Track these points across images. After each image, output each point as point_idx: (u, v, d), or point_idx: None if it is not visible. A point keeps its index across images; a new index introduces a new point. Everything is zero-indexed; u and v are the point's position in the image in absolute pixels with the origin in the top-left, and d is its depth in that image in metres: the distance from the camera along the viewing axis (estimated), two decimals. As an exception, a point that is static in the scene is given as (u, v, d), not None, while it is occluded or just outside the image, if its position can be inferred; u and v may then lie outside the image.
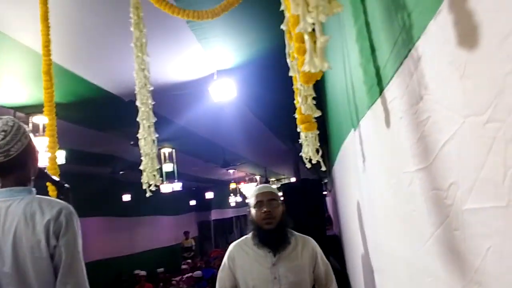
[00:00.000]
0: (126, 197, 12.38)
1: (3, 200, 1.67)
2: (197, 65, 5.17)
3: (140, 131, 2.55)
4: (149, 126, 2.55)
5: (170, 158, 9.72)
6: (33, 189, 1.80)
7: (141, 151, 2.53)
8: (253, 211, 2.32)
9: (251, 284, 2.23)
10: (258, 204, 2.29)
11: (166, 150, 9.61)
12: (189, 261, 14.04)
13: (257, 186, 2.47)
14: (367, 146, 1.85)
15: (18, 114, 5.54)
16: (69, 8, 3.47)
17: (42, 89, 2.83)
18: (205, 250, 18.55)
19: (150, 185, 2.47)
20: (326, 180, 13.66)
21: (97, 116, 6.54)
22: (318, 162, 2.41)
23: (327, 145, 8.97)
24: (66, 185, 2.22)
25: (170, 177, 9.87)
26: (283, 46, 1.84)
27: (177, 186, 9.74)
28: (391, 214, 1.47)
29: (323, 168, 2.18)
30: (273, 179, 19.80)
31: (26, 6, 3.26)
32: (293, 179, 19.36)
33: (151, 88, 2.61)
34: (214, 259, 14.78)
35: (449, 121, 0.81)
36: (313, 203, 8.29)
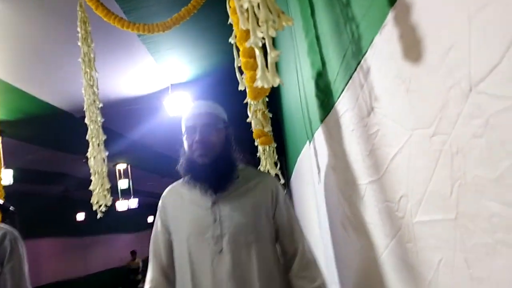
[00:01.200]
0: (80, 216, 11.92)
1: None
2: (151, 79, 5.09)
3: (89, 149, 2.46)
4: (98, 144, 2.47)
5: (126, 174, 9.48)
6: None
7: (91, 170, 2.44)
8: (184, 140, 1.65)
9: (185, 233, 1.59)
10: (190, 131, 1.62)
11: (121, 166, 9.37)
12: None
13: (190, 106, 1.70)
14: (322, 158, 1.86)
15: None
16: (14, 24, 3.33)
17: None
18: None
19: (100, 206, 2.38)
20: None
21: (47, 133, 6.29)
22: (276, 175, 2.41)
23: (285, 157, 9.05)
24: (11, 208, 2.10)
25: (126, 194, 9.62)
26: (227, 60, 1.86)
27: (133, 203, 9.49)
28: (348, 226, 1.47)
29: (282, 181, 2.17)
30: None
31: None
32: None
33: (100, 105, 2.53)
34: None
35: (397, 134, 0.81)
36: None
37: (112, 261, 14.47)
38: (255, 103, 1.51)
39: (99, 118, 2.49)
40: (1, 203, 2.15)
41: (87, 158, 6.18)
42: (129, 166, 9.53)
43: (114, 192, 9.56)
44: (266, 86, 0.78)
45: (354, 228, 1.36)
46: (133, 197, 9.48)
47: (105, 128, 2.68)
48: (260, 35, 0.79)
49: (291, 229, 1.66)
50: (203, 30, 4.09)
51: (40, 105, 5.07)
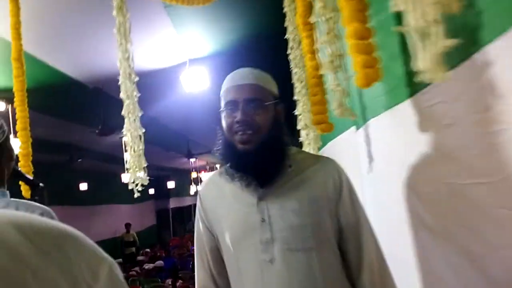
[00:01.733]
0: (83, 186, 11.89)
1: None
2: (169, 52, 4.95)
3: (125, 126, 2.35)
4: (134, 120, 2.36)
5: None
6: (7, 192, 1.59)
7: (127, 147, 2.34)
8: (222, 118, 1.32)
9: (229, 237, 1.30)
10: (229, 106, 1.28)
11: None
12: (148, 250, 13.70)
13: (230, 74, 1.35)
14: (379, 147, 1.77)
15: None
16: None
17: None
18: (164, 239, 18.26)
19: (137, 185, 2.29)
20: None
21: (57, 103, 6.15)
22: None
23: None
24: (40, 184, 2.01)
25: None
26: (257, 36, 1.75)
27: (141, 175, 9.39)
28: (416, 223, 1.40)
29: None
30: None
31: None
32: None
33: (136, 79, 2.41)
34: (173, 248, 14.55)
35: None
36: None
37: (111, 231, 14.52)
38: (335, 83, 1.39)
39: (134, 93, 2.38)
40: (31, 179, 2.05)
41: (99, 130, 6.11)
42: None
43: (120, 163, 9.52)
44: (435, 80, 0.67)
45: (433, 232, 1.27)
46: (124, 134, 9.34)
47: (116, 98, 2.57)
48: (430, 17, 0.67)
49: (358, 232, 1.28)
50: (227, 5, 3.94)
51: (52, 73, 4.93)
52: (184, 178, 18.19)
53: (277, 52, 5.58)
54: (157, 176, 16.78)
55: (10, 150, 1.62)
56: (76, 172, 11.58)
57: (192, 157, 12.20)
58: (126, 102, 2.32)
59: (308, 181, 1.31)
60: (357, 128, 2.12)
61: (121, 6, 2.43)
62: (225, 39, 4.78)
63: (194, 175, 16.32)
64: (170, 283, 8.90)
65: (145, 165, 2.34)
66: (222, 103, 1.31)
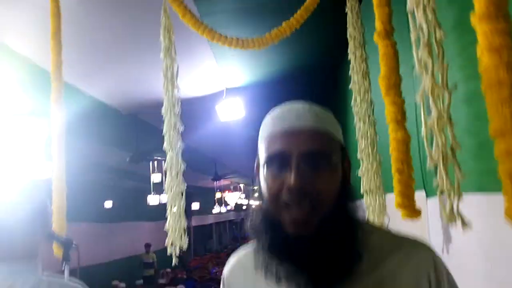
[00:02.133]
0: (108, 204, 11.87)
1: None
2: (207, 81, 4.85)
3: (167, 180, 2.21)
4: (177, 175, 2.21)
5: (160, 168, 9.32)
6: (39, 265, 1.43)
7: (167, 207, 2.19)
8: (262, 179, 0.86)
9: None
10: (276, 163, 0.82)
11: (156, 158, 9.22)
12: (169, 270, 13.50)
13: (275, 111, 0.88)
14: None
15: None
16: (69, 25, 3.11)
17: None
18: (184, 258, 18.10)
19: (175, 248, 2.13)
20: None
21: (91, 128, 6.13)
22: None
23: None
24: (74, 244, 1.85)
25: (157, 188, 9.48)
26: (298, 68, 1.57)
27: (165, 198, 9.31)
28: None
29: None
30: (255, 188, 19.55)
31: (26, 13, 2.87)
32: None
33: (182, 128, 2.27)
34: (194, 269, 14.36)
35: None
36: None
37: (133, 249, 14.43)
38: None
39: (179, 144, 2.23)
40: (63, 239, 1.89)
41: (130, 158, 6.04)
42: (163, 161, 9.36)
43: (147, 182, 9.46)
44: None
45: None
46: (165, 193, 9.30)
47: (149, 124, 2.47)
48: None
49: None
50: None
51: (88, 100, 4.88)
52: (207, 196, 18.05)
53: (321, 86, 5.46)
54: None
55: (49, 215, 1.50)
56: (102, 189, 11.60)
57: (218, 180, 12.07)
58: (169, 154, 2.19)
59: (389, 281, 0.84)
60: (428, 195, 1.91)
61: (169, 48, 2.30)
62: (264, 71, 4.67)
63: (218, 195, 16.20)
64: (191, 308, 8.72)
65: (185, 225, 2.17)
66: (263, 154, 0.85)
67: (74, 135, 6.14)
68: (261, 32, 3.77)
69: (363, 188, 2.07)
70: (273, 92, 5.04)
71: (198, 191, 17.34)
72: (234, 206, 18.82)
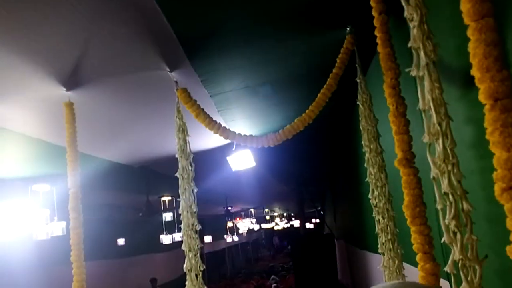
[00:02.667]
0: (121, 241, 11.87)
1: None
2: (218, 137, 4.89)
3: (187, 284, 2.21)
4: (196, 276, 2.22)
5: (170, 206, 9.33)
6: None
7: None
8: None
9: None
10: None
11: (166, 198, 9.23)
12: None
13: None
14: None
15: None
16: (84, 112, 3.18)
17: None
18: None
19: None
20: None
21: (106, 181, 6.21)
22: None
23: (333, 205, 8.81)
24: None
25: (169, 227, 9.49)
26: None
27: (178, 236, 9.31)
28: None
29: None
30: (267, 210, 19.53)
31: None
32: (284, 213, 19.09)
33: (199, 227, 2.30)
34: (210, 303, 14.21)
35: None
36: (324, 254, 8.27)
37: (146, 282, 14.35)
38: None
39: (195, 224, 2.26)
40: None
41: (143, 213, 6.09)
42: (173, 198, 9.39)
43: (159, 224, 9.53)
44: None
45: None
46: (177, 231, 9.30)
47: (158, 172, 2.53)
48: None
49: None
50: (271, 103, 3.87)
51: (103, 163, 4.95)
52: (219, 223, 17.97)
53: (326, 137, 5.48)
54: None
55: None
56: (113, 226, 11.63)
57: (230, 217, 12.05)
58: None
59: None
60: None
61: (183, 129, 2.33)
62: (273, 125, 4.69)
63: (229, 224, 16.14)
64: None
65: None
66: None
67: (92, 188, 6.25)
68: (265, 103, 3.85)
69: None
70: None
71: (210, 220, 17.31)
72: (246, 232, 18.75)
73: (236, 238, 16.62)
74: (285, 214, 23.27)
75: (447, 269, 1.21)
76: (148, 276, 14.14)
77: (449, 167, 1.20)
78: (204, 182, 8.22)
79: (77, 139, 4.04)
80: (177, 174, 2.38)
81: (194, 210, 2.41)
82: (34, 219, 4.93)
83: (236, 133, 2.42)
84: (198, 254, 2.35)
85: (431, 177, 1.23)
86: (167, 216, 9.33)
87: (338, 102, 2.58)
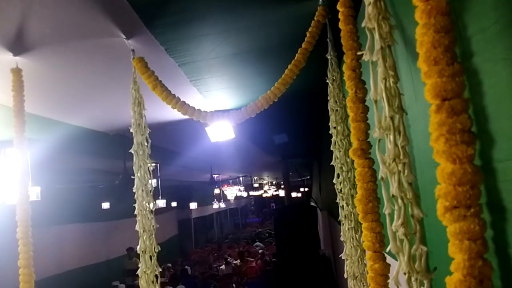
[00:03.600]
0: (105, 205, 11.83)
1: None
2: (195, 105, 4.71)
3: (140, 266, 2.09)
4: (151, 258, 2.10)
5: (155, 173, 9.23)
6: None
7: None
8: None
9: None
10: None
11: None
12: (169, 265, 13.39)
13: None
14: None
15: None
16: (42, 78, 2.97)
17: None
18: (186, 250, 18.13)
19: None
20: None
21: (80, 146, 6.05)
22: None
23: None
24: None
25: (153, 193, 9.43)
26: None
27: (161, 203, 9.29)
28: None
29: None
30: (255, 178, 19.54)
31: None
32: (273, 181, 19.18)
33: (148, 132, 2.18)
34: (195, 265, 14.32)
35: None
36: (306, 225, 8.25)
37: (132, 244, 14.40)
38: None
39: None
40: None
41: (120, 180, 5.96)
42: (158, 165, 9.29)
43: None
44: None
45: None
46: (161, 198, 9.26)
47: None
48: None
49: None
50: (250, 68, 3.66)
51: (75, 129, 4.78)
52: (207, 189, 17.98)
53: (309, 108, 5.30)
54: (178, 187, 16.66)
55: None
56: (99, 193, 11.60)
57: (215, 185, 11.97)
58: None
59: None
60: None
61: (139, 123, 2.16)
62: (252, 96, 4.51)
63: (217, 191, 16.13)
64: (190, 314, 8.69)
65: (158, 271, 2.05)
66: None
67: (70, 153, 6.11)
68: (242, 74, 3.64)
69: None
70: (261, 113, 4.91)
71: (197, 186, 17.31)
72: (234, 199, 18.80)
73: (223, 205, 16.65)
74: (274, 182, 23.34)
75: (391, 282, 1.09)
76: (134, 239, 14.19)
77: (400, 167, 1.05)
78: (188, 150, 8.11)
79: (46, 106, 3.87)
80: (131, 150, 2.23)
81: (150, 189, 2.26)
82: (7, 183, 4.79)
83: (196, 109, 2.25)
84: (153, 235, 2.22)
85: (379, 177, 1.08)
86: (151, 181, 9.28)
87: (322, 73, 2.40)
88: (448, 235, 0.71)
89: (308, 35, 2.15)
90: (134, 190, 2.24)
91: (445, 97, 0.70)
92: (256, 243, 15.28)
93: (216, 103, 4.51)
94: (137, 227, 2.19)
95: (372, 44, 1.08)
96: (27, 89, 2.54)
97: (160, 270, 2.17)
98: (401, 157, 1.02)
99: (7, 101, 3.46)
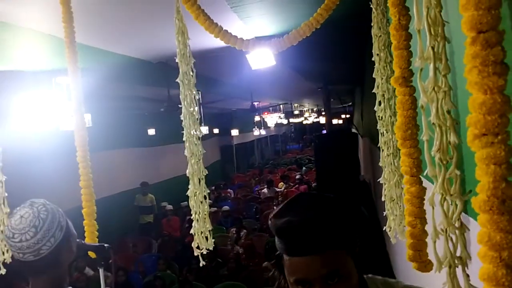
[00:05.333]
0: (151, 131, 12.33)
1: None
2: (235, 32, 4.70)
3: (190, 188, 2.26)
4: (199, 180, 2.26)
5: (198, 102, 9.42)
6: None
7: (192, 212, 2.27)
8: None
9: None
10: (299, 285, 0.98)
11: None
12: (213, 188, 13.98)
13: (286, 233, 0.98)
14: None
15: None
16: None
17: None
18: (228, 174, 18.83)
19: (201, 249, 2.23)
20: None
21: (126, 75, 6.23)
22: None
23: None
24: (105, 245, 1.97)
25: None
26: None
27: (204, 130, 9.52)
28: None
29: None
30: (296, 105, 19.52)
31: None
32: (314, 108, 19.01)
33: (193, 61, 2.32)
34: (237, 188, 14.93)
35: None
36: (346, 152, 8.31)
37: (177, 169, 15.06)
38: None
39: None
40: (95, 245, 2.00)
41: (165, 108, 6.15)
42: (200, 93, 9.44)
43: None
44: None
45: None
46: (203, 125, 9.49)
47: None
48: None
49: None
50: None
51: (117, 58, 4.91)
52: (248, 116, 18.21)
53: (350, 37, 5.14)
54: (220, 114, 16.98)
55: (71, 242, 1.55)
56: (145, 118, 12.03)
57: (255, 112, 12.06)
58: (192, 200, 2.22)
59: None
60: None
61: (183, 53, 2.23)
62: (293, 22, 4.43)
63: (257, 118, 16.29)
64: (234, 232, 9.21)
65: (210, 228, 2.24)
66: (285, 271, 1.00)
67: (117, 82, 6.33)
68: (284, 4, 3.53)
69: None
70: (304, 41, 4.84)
71: (237, 114, 17.55)
72: (274, 126, 19.02)
73: (263, 132, 16.90)
74: (314, 109, 23.26)
75: (426, 203, 1.16)
76: (179, 163, 14.85)
77: (440, 95, 1.08)
78: (229, 78, 8.17)
79: (93, 35, 3.97)
80: (177, 80, 2.32)
81: (196, 117, 2.37)
82: (59, 110, 5.05)
83: (238, 38, 2.28)
84: (201, 160, 2.36)
85: (419, 105, 1.12)
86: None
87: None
88: (476, 160, 0.77)
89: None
90: (181, 118, 2.36)
91: (481, 29, 0.72)
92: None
93: (257, 29, 4.47)
94: (185, 152, 2.33)
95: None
96: (76, 20, 2.63)
97: (209, 191, 2.33)
98: (442, 85, 1.05)
99: (56, 32, 3.60)
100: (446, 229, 1.05)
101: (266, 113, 16.12)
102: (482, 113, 0.74)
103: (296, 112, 22.11)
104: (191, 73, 2.32)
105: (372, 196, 8.22)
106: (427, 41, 1.07)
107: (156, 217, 10.78)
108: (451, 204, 1.12)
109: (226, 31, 2.25)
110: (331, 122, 11.61)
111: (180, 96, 2.33)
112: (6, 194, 2.32)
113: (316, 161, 9.59)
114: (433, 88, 1.09)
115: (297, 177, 13.33)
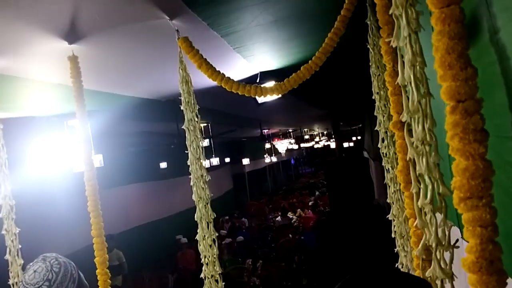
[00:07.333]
0: (163, 165, 12.44)
1: None
2: (241, 71, 4.80)
3: (199, 232, 2.30)
4: (208, 224, 2.30)
5: (206, 132, 9.52)
6: None
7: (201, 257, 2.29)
8: None
9: None
10: None
11: (201, 125, 9.42)
12: (227, 217, 13.95)
13: None
14: None
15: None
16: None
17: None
18: (241, 202, 18.78)
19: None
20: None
21: (134, 114, 6.37)
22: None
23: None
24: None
25: (206, 152, 9.81)
26: None
27: (215, 161, 9.62)
28: None
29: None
30: (306, 130, 19.59)
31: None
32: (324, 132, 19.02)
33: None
34: (252, 217, 14.85)
35: None
36: (358, 176, 8.29)
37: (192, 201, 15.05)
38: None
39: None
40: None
41: (175, 144, 6.24)
42: (209, 125, 9.55)
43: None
44: None
45: None
46: (214, 156, 9.58)
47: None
48: None
49: None
50: (293, 32, 3.67)
51: (131, 99, 5.06)
52: (258, 144, 18.26)
53: (353, 66, 5.23)
54: (231, 144, 17.07)
55: None
56: (157, 154, 12.17)
57: (265, 140, 12.15)
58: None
59: None
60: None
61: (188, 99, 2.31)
62: (297, 56, 4.53)
63: (267, 145, 16.37)
64: (250, 263, 9.14)
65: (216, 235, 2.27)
66: None
67: (127, 120, 6.47)
68: (283, 38, 3.63)
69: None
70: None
71: (248, 143, 17.63)
72: (285, 151, 19.06)
73: (274, 159, 16.93)
74: (325, 132, 23.27)
75: (417, 253, 1.18)
76: (190, 195, 14.84)
77: (427, 149, 1.12)
78: (236, 110, 8.27)
79: (104, 81, 4.11)
80: (183, 127, 2.39)
81: (203, 162, 2.43)
82: (72, 152, 5.16)
83: (241, 84, 2.35)
84: (209, 204, 2.41)
85: (407, 158, 1.16)
86: (203, 142, 9.61)
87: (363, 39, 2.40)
88: (463, 222, 0.80)
89: (346, 1, 2.16)
90: (188, 163, 2.42)
91: (459, 99, 0.76)
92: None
93: (261, 65, 4.58)
94: (193, 197, 2.38)
95: (399, 31, 1.12)
96: (83, 70, 2.74)
97: (217, 234, 2.36)
98: (428, 139, 1.09)
99: (66, 81, 3.73)
100: (442, 280, 1.07)
101: (276, 139, 16.18)
102: (466, 178, 0.78)
103: (307, 136, 22.15)
104: (195, 119, 2.39)
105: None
106: (414, 97, 1.11)
107: (170, 252, 10.68)
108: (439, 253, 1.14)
109: (229, 78, 2.32)
110: (342, 146, 11.62)
111: (186, 142, 2.40)
112: (20, 246, 2.38)
113: (328, 187, 9.57)
114: (421, 142, 1.12)
115: (310, 203, 13.27)
